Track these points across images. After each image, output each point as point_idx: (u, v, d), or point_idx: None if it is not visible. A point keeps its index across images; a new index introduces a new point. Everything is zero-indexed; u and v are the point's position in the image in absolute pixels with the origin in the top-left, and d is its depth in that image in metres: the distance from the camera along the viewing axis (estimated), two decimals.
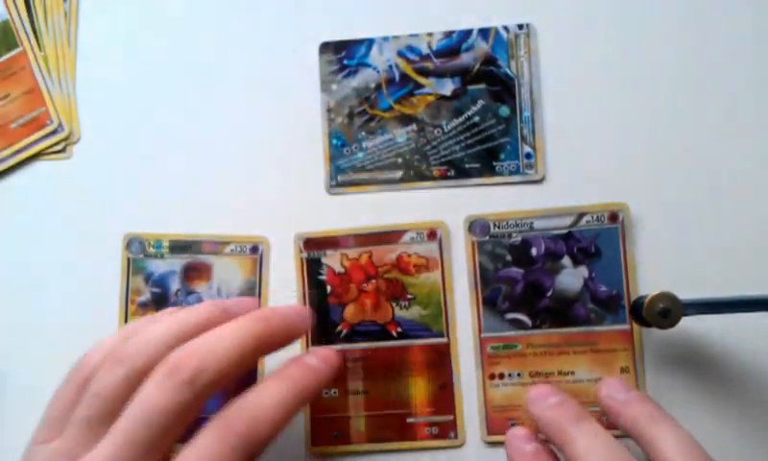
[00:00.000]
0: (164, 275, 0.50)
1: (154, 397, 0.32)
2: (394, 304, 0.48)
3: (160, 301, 0.50)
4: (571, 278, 0.47)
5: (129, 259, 0.50)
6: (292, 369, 0.39)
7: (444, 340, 0.48)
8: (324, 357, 0.41)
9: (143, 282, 0.50)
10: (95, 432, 0.33)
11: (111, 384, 0.34)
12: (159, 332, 0.36)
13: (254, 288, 0.49)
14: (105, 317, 0.50)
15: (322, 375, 0.40)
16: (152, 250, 0.50)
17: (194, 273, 0.50)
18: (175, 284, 0.50)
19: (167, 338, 0.36)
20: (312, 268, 0.49)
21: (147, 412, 0.32)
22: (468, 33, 0.50)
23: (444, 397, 0.48)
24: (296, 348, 0.49)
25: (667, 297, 0.41)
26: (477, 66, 0.49)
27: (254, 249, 0.49)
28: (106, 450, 0.32)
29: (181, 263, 0.50)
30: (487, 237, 0.48)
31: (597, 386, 0.43)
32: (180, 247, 0.50)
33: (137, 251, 0.50)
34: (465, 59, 0.50)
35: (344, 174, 0.50)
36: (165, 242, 0.50)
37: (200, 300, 0.49)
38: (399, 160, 0.49)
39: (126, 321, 0.50)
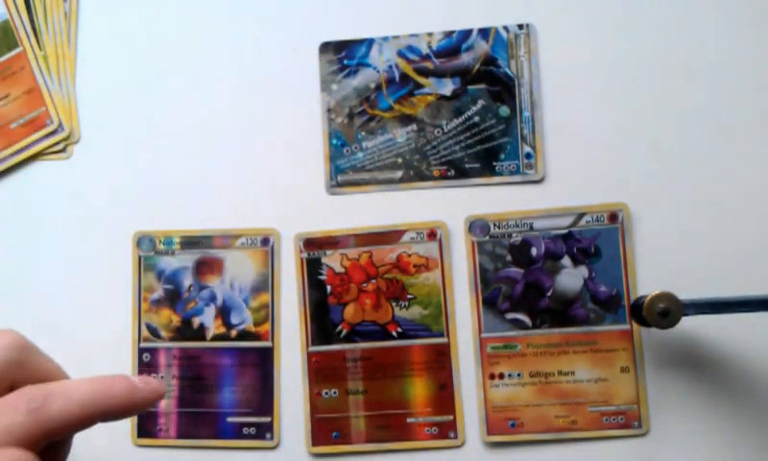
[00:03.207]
0: (176, 271, 0.50)
1: None
2: (394, 304, 0.48)
3: (173, 297, 0.50)
4: (571, 278, 0.47)
5: (140, 257, 0.50)
6: (116, 382, 0.38)
7: (444, 340, 0.48)
8: (147, 380, 0.39)
9: (155, 279, 0.50)
10: None
11: None
12: None
13: (267, 280, 0.49)
14: (116, 315, 0.51)
15: (137, 395, 0.38)
16: (162, 247, 0.50)
17: (206, 268, 0.50)
18: (187, 280, 0.50)
19: None
20: (312, 268, 0.49)
21: None
22: (467, 33, 0.50)
23: (444, 397, 0.48)
24: (297, 358, 0.49)
25: (667, 297, 0.41)
26: (477, 66, 0.49)
27: (265, 241, 0.50)
28: None
29: (193, 259, 0.50)
30: (487, 237, 0.48)
31: None
32: (191, 242, 0.50)
33: (148, 248, 0.50)
34: (465, 59, 0.50)
35: (344, 174, 0.50)
36: (176, 238, 0.50)
37: (212, 294, 0.50)
38: (399, 160, 0.49)
39: (139, 318, 0.50)
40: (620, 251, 0.47)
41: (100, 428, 0.51)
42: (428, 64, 0.50)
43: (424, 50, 0.50)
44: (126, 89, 0.52)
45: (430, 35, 0.50)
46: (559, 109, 0.49)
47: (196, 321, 0.50)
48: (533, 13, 0.49)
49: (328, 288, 0.49)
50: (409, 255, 0.48)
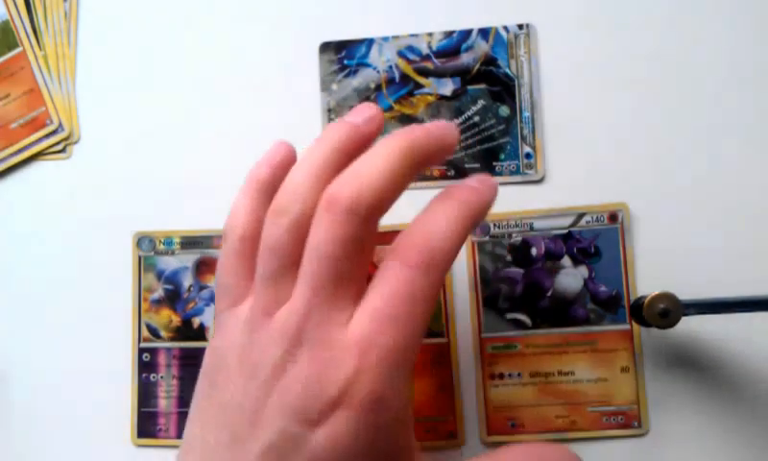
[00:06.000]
0: (176, 271, 0.50)
1: (322, 236, 0.32)
2: None
3: (173, 297, 0.50)
4: (571, 278, 0.47)
5: (140, 257, 0.50)
6: (456, 191, 0.37)
7: (443, 340, 0.48)
8: (481, 179, 0.39)
9: (155, 279, 0.50)
10: (283, 285, 0.33)
11: (281, 236, 0.33)
12: (304, 173, 0.34)
13: None
14: (116, 315, 0.50)
15: (485, 194, 0.38)
16: (162, 247, 0.50)
17: (206, 268, 0.50)
18: (187, 280, 0.50)
19: (315, 176, 0.34)
20: None
21: (322, 251, 0.31)
22: (467, 33, 0.50)
23: (444, 397, 0.48)
24: None
25: (667, 297, 0.41)
26: (477, 66, 0.49)
27: None
28: (303, 296, 0.32)
29: (193, 259, 0.50)
30: (487, 237, 0.48)
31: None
32: (191, 242, 0.50)
33: (148, 248, 0.50)
34: (465, 59, 0.50)
35: None
36: (176, 239, 0.50)
37: (212, 295, 0.50)
38: None
39: (139, 318, 0.50)
40: (620, 251, 0.47)
41: (100, 428, 0.51)
42: (428, 64, 0.50)
43: (424, 50, 0.50)
44: (126, 89, 0.52)
45: (430, 35, 0.50)
46: (559, 109, 0.49)
47: (196, 321, 0.50)
48: (533, 13, 0.49)
49: None
50: None
